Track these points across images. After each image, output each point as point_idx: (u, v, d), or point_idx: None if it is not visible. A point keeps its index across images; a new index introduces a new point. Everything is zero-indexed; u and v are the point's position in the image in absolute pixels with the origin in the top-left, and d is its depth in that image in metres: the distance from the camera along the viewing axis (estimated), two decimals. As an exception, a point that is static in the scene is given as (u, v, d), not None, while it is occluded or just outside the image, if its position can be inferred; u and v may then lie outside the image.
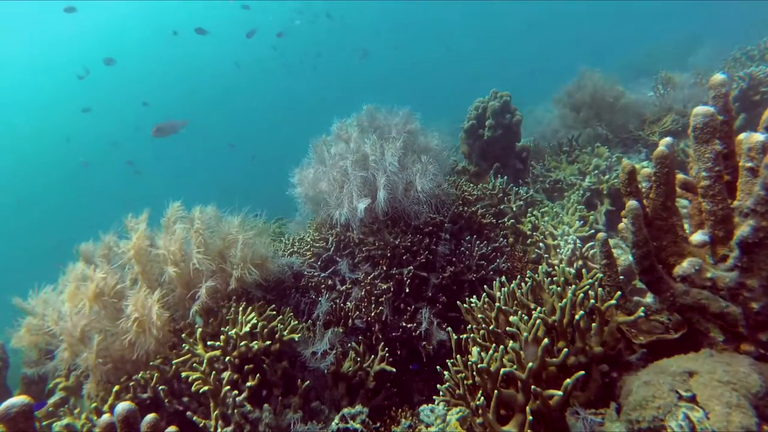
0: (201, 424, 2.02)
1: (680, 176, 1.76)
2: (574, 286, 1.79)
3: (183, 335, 2.23)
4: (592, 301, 1.70)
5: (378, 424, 2.12)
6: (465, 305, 2.14)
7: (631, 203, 1.62)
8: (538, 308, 1.77)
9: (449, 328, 2.18)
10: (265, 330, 2.18)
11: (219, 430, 1.98)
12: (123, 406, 1.49)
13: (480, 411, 1.61)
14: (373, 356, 2.30)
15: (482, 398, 1.64)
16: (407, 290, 2.41)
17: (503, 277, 2.17)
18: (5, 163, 24.58)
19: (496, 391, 1.59)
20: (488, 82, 5.26)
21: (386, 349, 2.32)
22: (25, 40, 22.92)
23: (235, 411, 1.97)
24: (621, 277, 1.96)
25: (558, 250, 3.05)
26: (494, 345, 1.78)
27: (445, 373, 1.91)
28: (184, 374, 2.09)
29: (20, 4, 20.37)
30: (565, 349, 1.59)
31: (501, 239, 2.90)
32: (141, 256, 2.38)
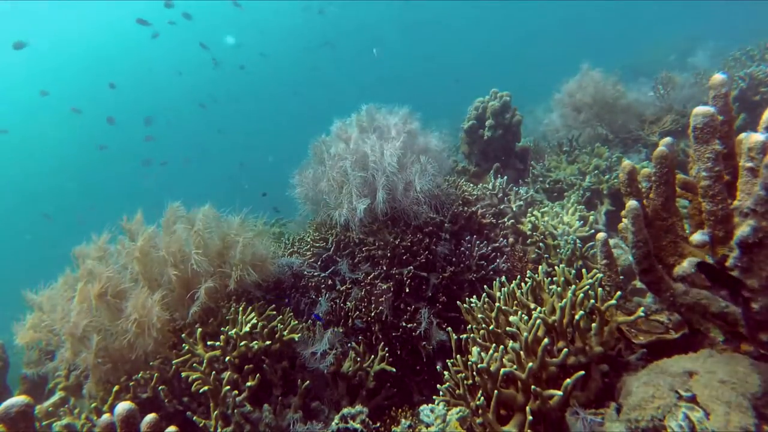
0: (201, 424, 2.02)
1: (680, 176, 1.76)
2: (574, 286, 1.79)
3: (183, 335, 2.23)
4: (592, 301, 1.70)
5: (378, 424, 2.12)
6: (465, 305, 2.14)
7: (631, 203, 1.62)
8: (538, 308, 1.77)
9: (449, 328, 2.18)
10: (265, 330, 2.18)
11: (219, 430, 1.98)
12: (123, 406, 1.49)
13: (480, 411, 1.61)
14: (373, 356, 2.30)
15: (482, 398, 1.64)
16: (407, 290, 2.41)
17: (503, 277, 2.17)
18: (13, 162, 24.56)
19: (496, 391, 1.59)
20: (489, 81, 5.26)
21: (386, 349, 2.32)
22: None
23: (235, 411, 1.97)
24: (621, 277, 1.96)
25: (558, 250, 3.05)
26: (494, 345, 1.77)
27: (445, 373, 1.91)
28: (184, 374, 2.09)
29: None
30: (565, 349, 1.59)
31: (501, 239, 2.90)
32: (145, 257, 2.38)
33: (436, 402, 1.96)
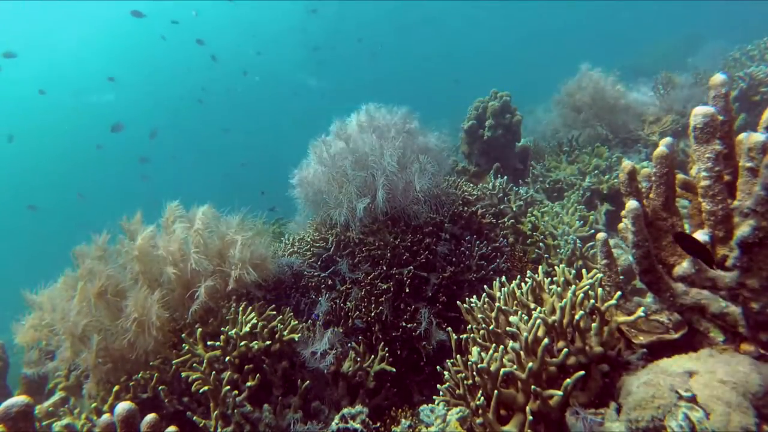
0: (201, 424, 2.02)
1: (680, 176, 1.76)
2: (574, 286, 1.78)
3: (183, 335, 2.23)
4: (592, 301, 1.69)
5: (378, 424, 2.12)
6: (465, 305, 2.14)
7: (631, 203, 1.62)
8: (538, 308, 1.77)
9: (449, 328, 2.18)
10: (265, 330, 2.18)
11: (219, 430, 1.98)
12: (123, 406, 1.50)
13: (480, 411, 1.61)
14: (373, 356, 2.29)
15: (482, 398, 1.64)
16: (407, 290, 2.41)
17: (503, 277, 2.17)
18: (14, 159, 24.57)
19: (496, 391, 1.59)
20: (489, 81, 5.26)
21: (386, 349, 2.32)
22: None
23: (235, 411, 1.97)
24: (621, 277, 1.96)
25: (558, 250, 3.05)
26: (494, 345, 1.78)
27: (445, 373, 1.91)
28: (184, 374, 2.09)
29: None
30: (565, 349, 1.59)
31: (501, 239, 2.90)
32: (144, 256, 2.38)
33: (436, 402, 1.96)
